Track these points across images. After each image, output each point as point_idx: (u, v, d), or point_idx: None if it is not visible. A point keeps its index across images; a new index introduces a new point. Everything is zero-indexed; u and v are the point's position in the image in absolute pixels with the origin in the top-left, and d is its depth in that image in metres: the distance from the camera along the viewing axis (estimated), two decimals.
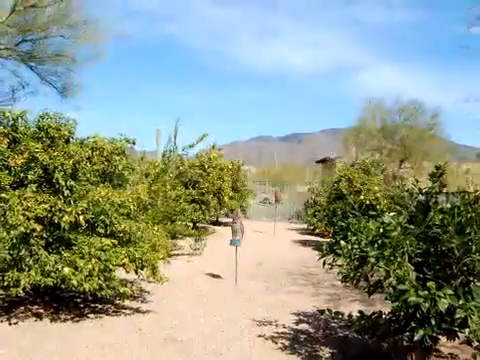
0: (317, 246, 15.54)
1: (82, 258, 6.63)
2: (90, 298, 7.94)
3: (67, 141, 7.31)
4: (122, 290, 7.16)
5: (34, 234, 6.41)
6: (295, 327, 7.22)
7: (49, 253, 6.73)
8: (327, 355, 6.11)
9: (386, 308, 5.59)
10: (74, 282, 6.39)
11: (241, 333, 6.82)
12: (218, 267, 11.23)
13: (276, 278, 10.75)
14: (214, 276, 10.62)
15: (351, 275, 5.23)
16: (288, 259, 13.46)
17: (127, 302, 7.91)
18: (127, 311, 7.70)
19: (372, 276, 5.24)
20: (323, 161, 43.39)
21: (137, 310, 7.78)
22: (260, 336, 6.70)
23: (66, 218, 6.55)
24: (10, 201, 6.39)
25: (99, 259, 6.70)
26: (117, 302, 7.94)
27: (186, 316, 7.57)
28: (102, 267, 6.72)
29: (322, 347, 6.41)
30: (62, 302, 7.73)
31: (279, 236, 18.76)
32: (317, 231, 19.55)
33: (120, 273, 7.35)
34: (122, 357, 5.92)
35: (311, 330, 7.15)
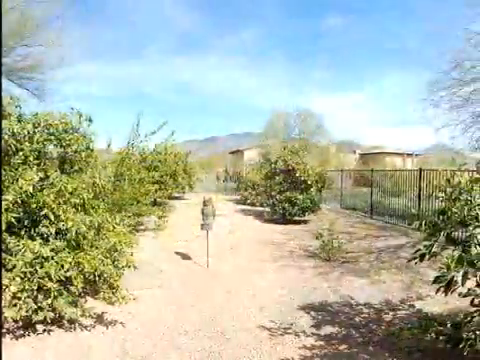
0: (256, 215, 19.86)
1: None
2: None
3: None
4: (69, 313, 5.86)
5: None
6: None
7: None
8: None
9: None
10: None
11: None
12: (182, 242, 12.91)
13: (252, 250, 12.34)
14: (184, 257, 11.08)
15: None
16: (245, 228, 16.52)
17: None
18: (86, 322, 6.43)
19: None
20: (235, 152, 55.64)
21: (99, 320, 6.59)
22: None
23: None
24: None
25: (33, 273, 5.37)
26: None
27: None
28: (35, 287, 5.39)
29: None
30: None
31: (223, 207, 21.98)
32: (248, 202, 24.90)
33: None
34: None
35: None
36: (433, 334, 5.06)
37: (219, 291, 8.40)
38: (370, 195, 19.10)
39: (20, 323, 5.94)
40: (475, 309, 4.69)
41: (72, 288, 5.79)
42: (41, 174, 5.82)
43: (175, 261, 10.72)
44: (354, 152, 54.77)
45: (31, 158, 6.03)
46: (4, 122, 5.76)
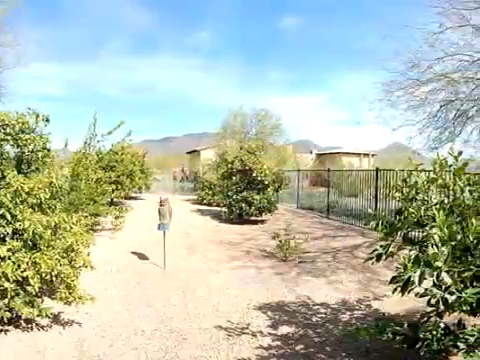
0: (213, 215, 19.81)
1: None
2: None
3: None
4: (26, 312, 5.75)
5: None
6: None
7: None
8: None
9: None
10: None
11: None
12: (139, 242, 12.67)
13: (209, 250, 12.29)
14: (140, 257, 11.00)
15: None
16: (202, 228, 16.46)
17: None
18: (43, 322, 6.35)
19: None
20: (191, 152, 55.86)
21: (56, 320, 6.49)
22: None
23: None
24: None
25: None
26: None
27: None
28: None
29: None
30: None
31: (180, 207, 21.56)
32: (205, 202, 24.81)
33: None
34: None
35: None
36: (390, 334, 5.04)
37: (176, 291, 8.32)
38: (327, 195, 19.24)
39: None
40: (432, 309, 4.70)
41: (29, 288, 5.69)
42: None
43: (132, 261, 10.58)
44: (311, 152, 55.55)
45: None
46: None
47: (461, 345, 4.50)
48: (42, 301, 6.39)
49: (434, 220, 4.12)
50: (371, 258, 4.87)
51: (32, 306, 5.86)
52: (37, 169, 6.94)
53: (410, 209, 4.74)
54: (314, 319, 6.89)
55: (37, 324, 6.26)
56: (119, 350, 5.76)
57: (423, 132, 13.69)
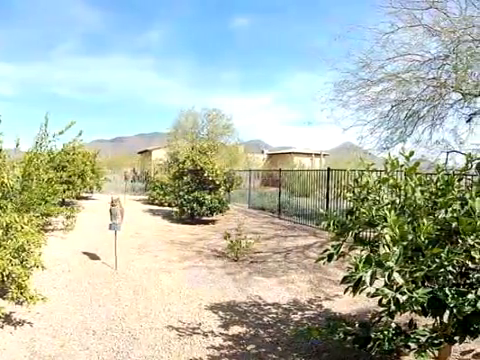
0: (164, 215, 19.63)
1: None
2: None
3: None
4: None
5: None
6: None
7: None
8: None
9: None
10: None
11: None
12: (91, 242, 12.56)
13: (161, 250, 12.13)
14: (92, 257, 10.80)
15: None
16: (153, 228, 16.25)
17: None
18: None
19: None
20: (143, 152, 55.46)
21: (7, 320, 6.41)
22: None
23: None
24: None
25: None
26: None
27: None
28: None
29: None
30: None
31: (131, 207, 21.46)
32: (156, 202, 24.76)
33: None
34: None
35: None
36: (341, 334, 5.04)
37: (127, 291, 8.21)
38: (278, 195, 19.31)
39: None
40: (383, 309, 4.70)
41: None
42: None
43: (83, 261, 10.38)
44: (262, 152, 55.82)
45: None
46: None
47: (412, 345, 4.53)
48: None
49: (385, 220, 4.11)
50: (322, 258, 4.81)
51: None
52: None
53: (361, 209, 4.72)
54: (265, 319, 6.86)
55: None
56: (71, 350, 5.68)
57: (374, 132, 13.82)
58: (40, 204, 12.09)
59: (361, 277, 3.80)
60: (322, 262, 4.86)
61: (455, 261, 3.84)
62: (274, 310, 7.29)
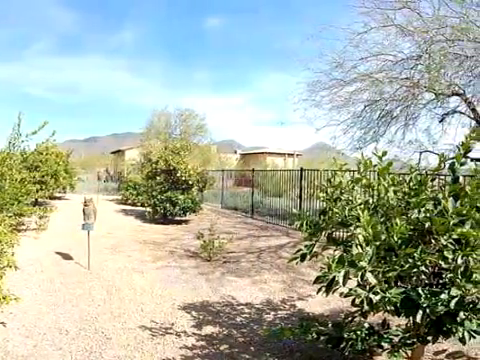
0: (137, 215, 19.69)
1: None
2: None
3: None
4: None
5: None
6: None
7: None
8: None
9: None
10: None
11: None
12: (64, 242, 12.47)
13: (133, 250, 12.06)
14: (65, 257, 10.71)
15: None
16: (126, 228, 16.18)
17: None
18: None
19: None
20: (116, 152, 56.03)
21: None
22: None
23: None
24: None
25: None
26: None
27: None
28: None
29: None
30: None
31: (104, 207, 21.37)
32: (129, 202, 24.74)
33: None
34: None
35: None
36: (314, 334, 5.02)
37: (100, 291, 8.12)
38: (251, 195, 19.30)
39: None
40: (356, 309, 4.72)
41: None
42: None
43: (56, 261, 10.27)
44: (235, 152, 55.95)
45: None
46: None
47: (385, 345, 4.56)
48: None
49: (358, 220, 4.10)
50: (295, 258, 4.79)
51: None
52: None
53: (334, 209, 4.72)
54: (238, 319, 6.82)
55: None
56: (44, 350, 5.60)
57: (347, 132, 13.92)
58: (13, 204, 12.16)
59: (334, 277, 3.80)
60: (295, 262, 4.83)
61: (428, 261, 3.86)
62: (247, 310, 7.25)
